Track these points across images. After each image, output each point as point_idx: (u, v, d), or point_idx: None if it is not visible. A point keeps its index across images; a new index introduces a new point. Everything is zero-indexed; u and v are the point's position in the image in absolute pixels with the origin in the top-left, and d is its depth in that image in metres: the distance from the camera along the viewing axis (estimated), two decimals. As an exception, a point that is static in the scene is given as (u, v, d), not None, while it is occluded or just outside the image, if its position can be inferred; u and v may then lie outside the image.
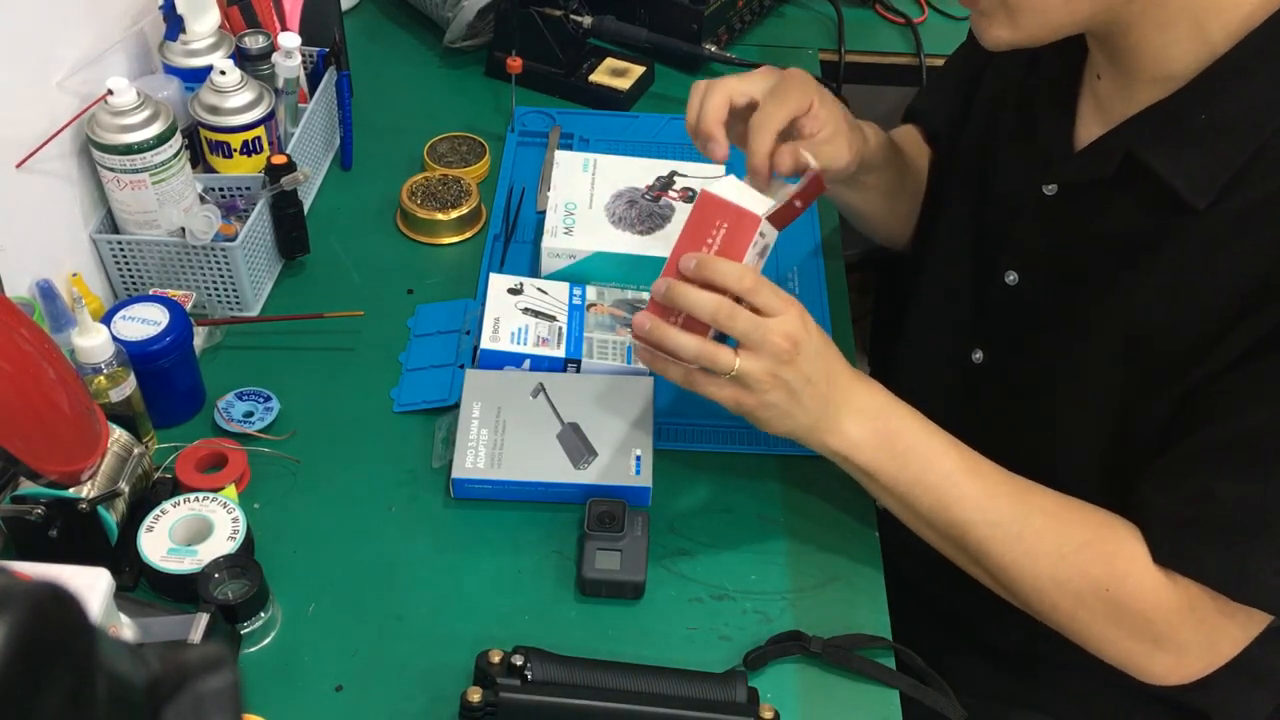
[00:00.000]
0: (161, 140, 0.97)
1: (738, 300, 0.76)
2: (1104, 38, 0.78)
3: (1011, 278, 0.89)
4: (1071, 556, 0.79)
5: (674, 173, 1.13)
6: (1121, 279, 0.80)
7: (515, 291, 1.02)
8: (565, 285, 1.04)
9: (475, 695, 0.74)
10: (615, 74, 1.37)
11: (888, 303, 1.23)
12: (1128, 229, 0.79)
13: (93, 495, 0.80)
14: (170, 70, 1.10)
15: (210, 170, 1.10)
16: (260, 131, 1.08)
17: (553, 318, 1.01)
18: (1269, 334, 0.71)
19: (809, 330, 0.78)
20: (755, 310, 0.77)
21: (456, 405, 0.96)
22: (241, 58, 1.11)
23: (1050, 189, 0.85)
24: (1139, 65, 0.77)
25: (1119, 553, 0.78)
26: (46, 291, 0.95)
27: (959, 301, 0.96)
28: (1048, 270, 0.87)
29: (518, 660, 0.75)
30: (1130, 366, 0.80)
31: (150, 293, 1.00)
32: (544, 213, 1.10)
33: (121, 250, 1.03)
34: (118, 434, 0.84)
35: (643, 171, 1.13)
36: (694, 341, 0.76)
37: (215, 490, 0.87)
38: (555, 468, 0.91)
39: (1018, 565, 0.80)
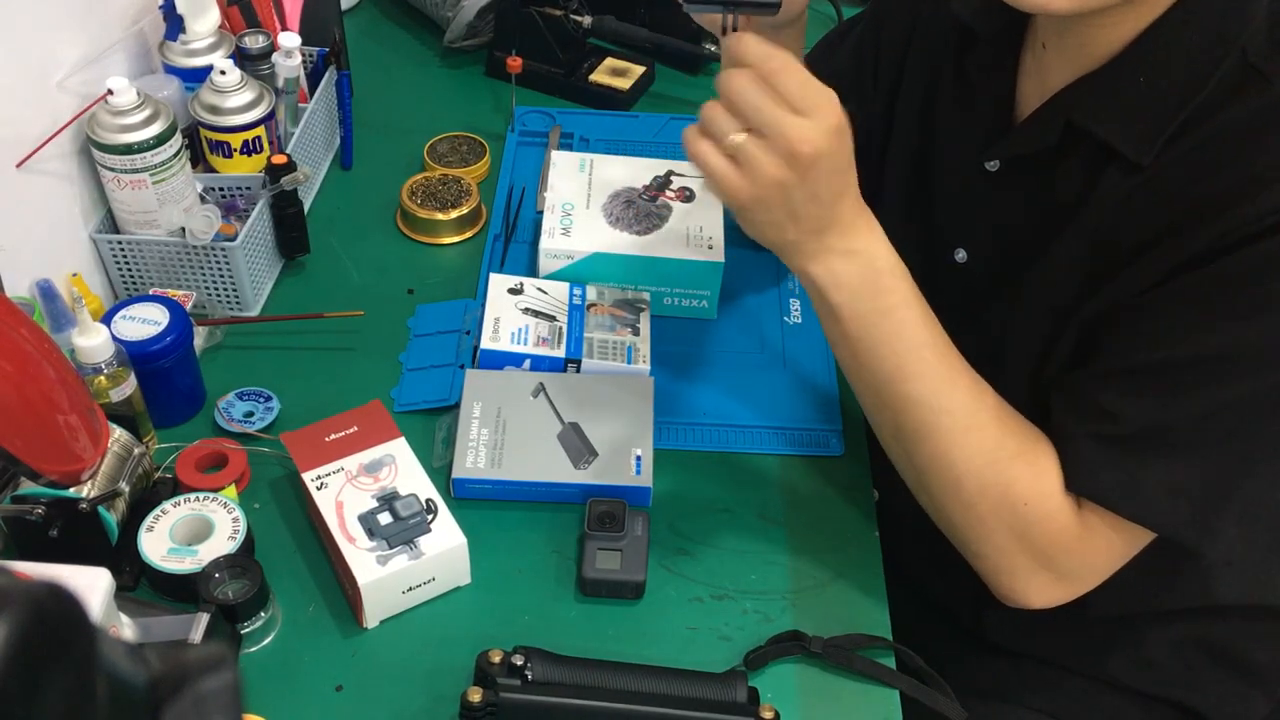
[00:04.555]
0: (161, 140, 0.97)
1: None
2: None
3: (960, 255, 0.89)
4: (1004, 463, 0.78)
5: (670, 172, 1.13)
6: (1059, 241, 0.80)
7: (515, 291, 1.02)
8: (565, 285, 1.04)
9: (475, 695, 0.74)
10: (615, 74, 1.37)
11: None
12: (1073, 193, 0.79)
13: (93, 495, 0.81)
14: (170, 70, 1.10)
15: (210, 170, 1.10)
16: (260, 131, 1.08)
17: (553, 318, 1.00)
18: (1182, 263, 0.71)
19: (841, 139, 0.69)
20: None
21: (457, 405, 0.96)
22: (241, 57, 1.11)
23: (993, 165, 0.85)
24: (1089, 36, 0.76)
25: (1045, 472, 0.78)
26: (46, 291, 0.95)
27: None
28: (994, 244, 0.87)
29: (518, 660, 0.75)
30: (1068, 334, 0.80)
31: (150, 293, 1.00)
32: (544, 213, 1.09)
33: (121, 250, 1.03)
34: (118, 434, 0.84)
35: (639, 171, 1.13)
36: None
37: (215, 490, 0.87)
38: (555, 468, 0.91)
39: (951, 457, 0.79)
